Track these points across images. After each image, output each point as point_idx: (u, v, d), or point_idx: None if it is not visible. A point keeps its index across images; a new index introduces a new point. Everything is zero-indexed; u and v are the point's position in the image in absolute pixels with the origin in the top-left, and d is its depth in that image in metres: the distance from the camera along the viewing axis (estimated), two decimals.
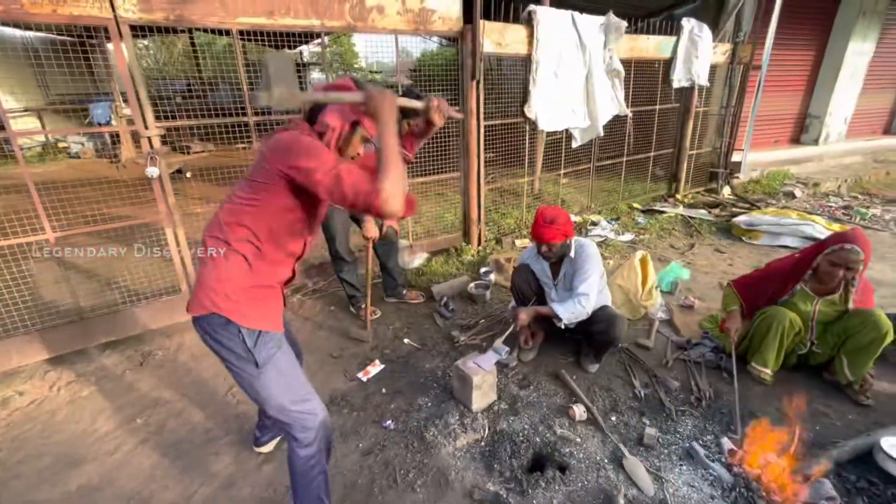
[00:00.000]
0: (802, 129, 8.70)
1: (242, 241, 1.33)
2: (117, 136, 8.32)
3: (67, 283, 2.70)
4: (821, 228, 4.21)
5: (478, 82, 3.53)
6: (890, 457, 1.78)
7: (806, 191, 6.25)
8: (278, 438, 2.06)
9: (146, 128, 2.51)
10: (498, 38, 3.58)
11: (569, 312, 2.26)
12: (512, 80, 4.60)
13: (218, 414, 2.32)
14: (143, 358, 2.75)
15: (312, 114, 1.35)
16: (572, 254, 2.38)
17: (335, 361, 2.71)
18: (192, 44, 11.17)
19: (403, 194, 1.19)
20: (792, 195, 6.03)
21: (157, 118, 2.55)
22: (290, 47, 2.91)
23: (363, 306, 3.12)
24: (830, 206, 5.73)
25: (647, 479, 1.81)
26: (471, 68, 3.46)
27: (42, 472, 1.97)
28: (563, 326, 2.33)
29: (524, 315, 2.33)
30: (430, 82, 3.72)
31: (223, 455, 2.06)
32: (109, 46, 2.47)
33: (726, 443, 1.96)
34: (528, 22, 3.75)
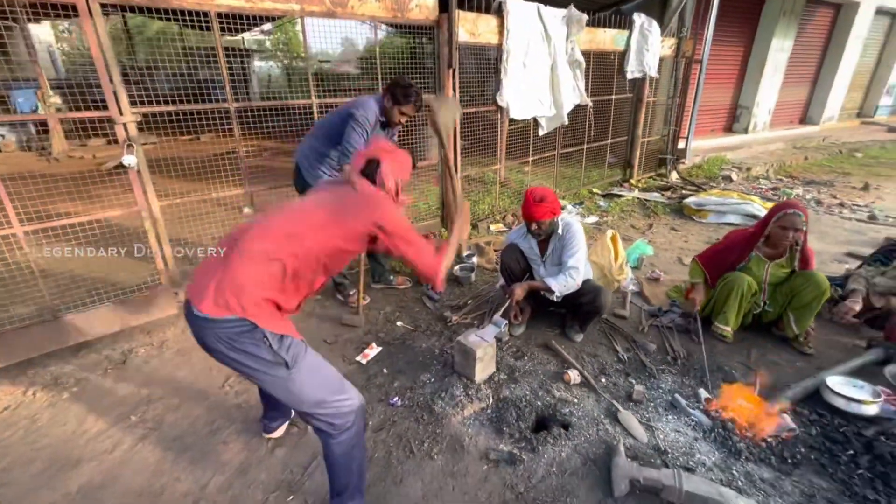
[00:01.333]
0: (734, 119, 9.53)
1: (290, 256, 1.34)
2: (45, 125, 7.60)
3: (38, 281, 2.51)
4: (758, 206, 4.70)
5: (454, 71, 3.61)
6: (834, 392, 2.10)
7: (740, 174, 6.90)
8: (287, 422, 2.08)
9: (121, 114, 2.38)
10: (471, 27, 3.68)
11: (561, 285, 2.43)
12: (473, 70, 4.71)
13: (218, 405, 2.28)
14: (124, 356, 2.63)
15: (369, 171, 1.59)
16: (560, 231, 2.55)
17: (331, 347, 2.73)
18: (125, 25, 10.33)
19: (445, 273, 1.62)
20: (729, 179, 6.64)
21: (133, 104, 2.42)
22: (231, 34, 2.83)
23: (351, 293, 3.14)
24: (761, 188, 6.38)
25: (640, 429, 2.02)
26: (447, 57, 3.53)
27: (36, 477, 1.87)
28: (555, 298, 2.49)
29: (519, 290, 2.47)
30: (385, 71, 3.70)
31: (232, 444, 2.04)
32: (33, 28, 2.30)
33: (703, 393, 2.22)
34: (499, 12, 3.87)
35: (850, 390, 2.11)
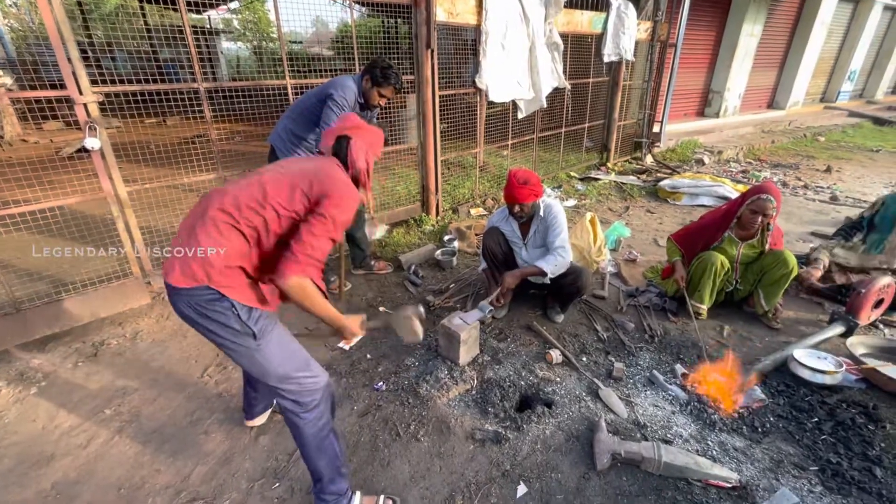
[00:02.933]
0: (706, 104, 9.73)
1: (251, 228, 1.30)
2: None
3: None
4: (730, 189, 4.84)
5: (432, 51, 3.54)
6: (800, 364, 2.20)
7: (712, 158, 7.08)
8: (270, 409, 2.05)
9: (81, 93, 2.24)
10: (449, 6, 3.60)
11: (552, 266, 2.45)
12: (451, 53, 4.64)
13: (197, 395, 2.23)
14: (95, 349, 2.53)
15: (339, 149, 1.50)
16: (542, 213, 2.56)
17: (313, 334, 2.69)
18: (80, 3, 9.71)
19: (298, 290, 1.32)
20: (702, 162, 6.80)
21: (94, 82, 2.28)
22: (197, 12, 2.69)
23: (332, 279, 3.10)
24: (732, 171, 6.57)
25: (620, 405, 2.08)
26: (425, 37, 3.46)
27: (5, 476, 1.79)
28: (547, 280, 2.51)
29: (511, 278, 2.47)
30: (360, 51, 3.60)
31: (214, 434, 2.01)
32: None
33: (679, 368, 2.30)
34: None
35: (814, 361, 2.22)
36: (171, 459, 1.88)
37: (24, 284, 2.55)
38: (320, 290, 1.38)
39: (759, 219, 2.53)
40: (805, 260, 3.18)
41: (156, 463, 1.86)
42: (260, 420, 2.03)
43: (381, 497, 1.65)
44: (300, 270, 1.29)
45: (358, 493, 1.63)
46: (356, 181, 1.52)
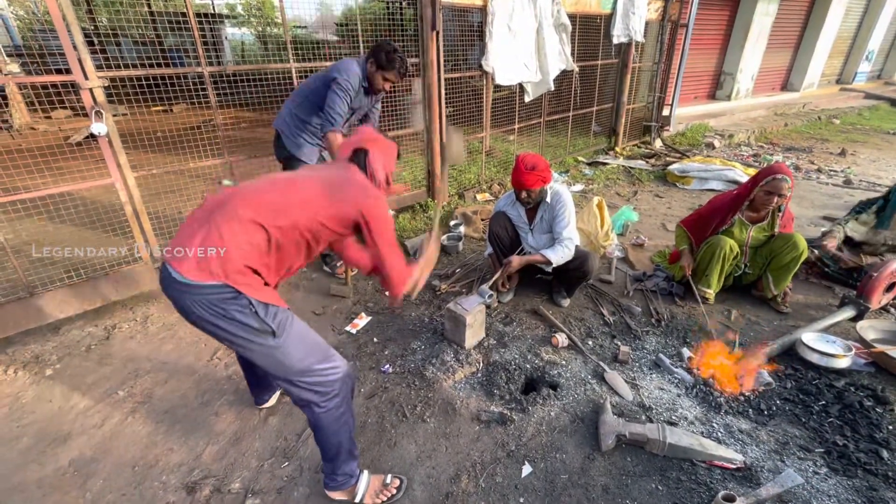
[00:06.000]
0: (717, 86, 9.51)
1: (275, 228, 1.30)
2: (4, 97, 7.16)
3: (11, 258, 2.41)
4: (740, 172, 4.77)
5: (437, 33, 3.48)
6: (809, 347, 2.19)
7: (722, 141, 6.95)
8: (279, 392, 2.08)
9: (86, 78, 2.24)
10: None
11: (558, 256, 2.45)
12: (456, 35, 4.55)
13: (207, 378, 2.27)
14: (107, 332, 2.58)
15: (357, 161, 1.55)
16: (549, 199, 2.54)
17: (319, 318, 2.72)
18: None
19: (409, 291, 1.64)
20: (712, 146, 6.69)
21: (99, 67, 2.28)
22: None
23: (339, 264, 3.12)
24: (743, 155, 6.45)
25: (625, 388, 2.09)
26: (430, 18, 3.40)
27: (25, 453, 1.85)
28: (554, 264, 2.51)
29: (516, 261, 2.48)
30: (364, 35, 3.56)
31: (224, 414, 2.05)
32: None
33: (685, 352, 2.29)
34: None
35: (823, 345, 2.21)
36: (184, 439, 1.92)
37: (36, 269, 2.59)
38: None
39: (774, 199, 2.49)
40: (817, 246, 3.14)
41: (168, 442, 1.91)
42: (270, 403, 2.06)
43: (389, 475, 1.68)
44: (403, 288, 1.59)
45: (366, 472, 1.66)
46: None
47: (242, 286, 1.25)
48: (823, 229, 3.53)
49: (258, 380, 1.95)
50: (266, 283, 1.36)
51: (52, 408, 2.09)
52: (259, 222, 1.28)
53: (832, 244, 3.00)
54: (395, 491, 1.64)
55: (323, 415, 1.45)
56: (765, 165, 5.88)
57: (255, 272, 1.31)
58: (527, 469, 1.74)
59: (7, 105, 7.10)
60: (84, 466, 1.80)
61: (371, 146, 1.57)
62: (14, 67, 7.13)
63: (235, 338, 1.29)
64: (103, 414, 2.05)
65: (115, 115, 2.50)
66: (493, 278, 2.48)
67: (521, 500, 1.63)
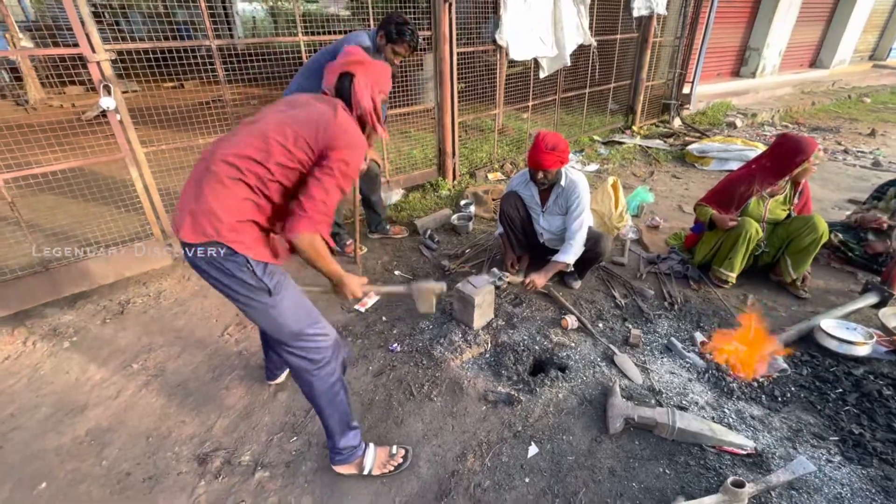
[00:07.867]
0: (742, 62, 9.12)
1: (257, 179, 1.26)
2: (18, 73, 7.20)
3: (27, 233, 2.45)
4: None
5: (450, 5, 3.36)
6: (827, 334, 2.13)
7: (745, 121, 6.70)
8: (289, 370, 2.10)
9: (94, 51, 2.21)
10: None
11: (574, 255, 2.47)
12: (470, 8, 4.38)
13: (218, 353, 2.30)
14: (122, 306, 2.62)
15: (341, 88, 1.38)
16: (563, 182, 2.46)
17: (328, 296, 2.71)
18: None
19: (309, 247, 1.32)
20: (734, 125, 6.46)
21: (106, 40, 2.24)
22: None
23: (347, 242, 3.10)
24: (766, 135, 6.21)
25: (635, 371, 2.06)
26: None
27: (44, 422, 1.91)
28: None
29: (540, 279, 2.49)
30: (375, 7, 3.44)
31: (235, 389, 2.08)
32: None
33: (698, 336, 2.25)
34: None
35: (843, 332, 2.14)
36: (195, 412, 1.96)
37: (50, 244, 2.63)
38: (327, 244, 1.36)
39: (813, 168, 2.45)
40: (840, 228, 3.02)
41: (181, 414, 1.95)
42: (280, 379, 2.09)
43: (394, 446, 1.70)
44: (311, 227, 1.27)
45: (372, 445, 1.68)
46: (362, 122, 1.43)
47: (235, 244, 1.24)
48: (847, 213, 3.40)
49: (276, 352, 1.96)
50: (267, 231, 1.35)
51: (70, 379, 2.14)
52: (236, 175, 1.24)
53: (876, 217, 2.89)
54: (401, 460, 1.68)
55: (316, 383, 1.48)
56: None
57: (254, 223, 1.29)
58: (533, 450, 1.73)
59: (21, 82, 7.15)
60: (100, 436, 1.85)
61: (357, 69, 1.39)
62: (27, 42, 7.13)
63: (234, 292, 1.32)
64: (118, 386, 2.10)
65: (125, 92, 2.47)
66: (507, 273, 2.47)
67: (527, 479, 1.64)
